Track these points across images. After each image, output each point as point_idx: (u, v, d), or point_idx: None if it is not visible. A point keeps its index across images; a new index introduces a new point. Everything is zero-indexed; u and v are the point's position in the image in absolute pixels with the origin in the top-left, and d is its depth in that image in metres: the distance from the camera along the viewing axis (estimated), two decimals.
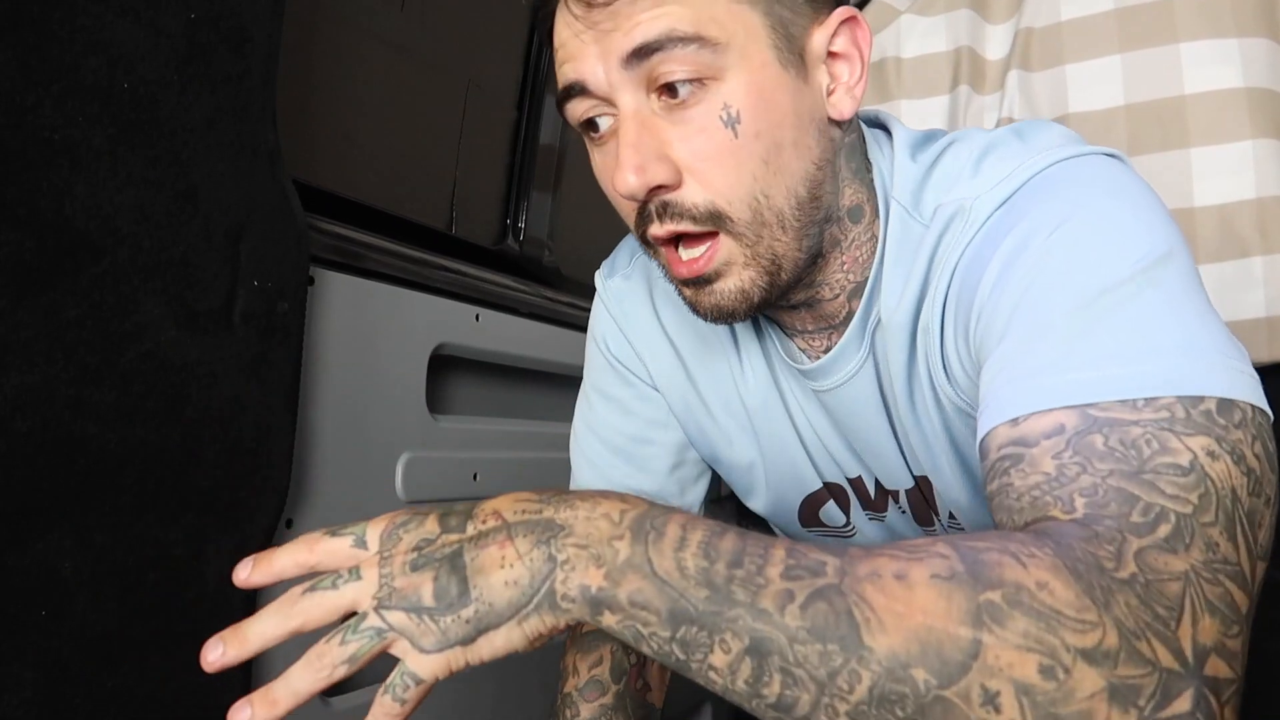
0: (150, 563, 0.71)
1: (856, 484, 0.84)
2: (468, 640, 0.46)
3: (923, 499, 0.81)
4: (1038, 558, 0.44)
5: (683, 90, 0.62)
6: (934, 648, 0.41)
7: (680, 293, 0.69)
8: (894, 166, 0.71)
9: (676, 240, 0.65)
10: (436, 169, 1.19)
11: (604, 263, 0.90)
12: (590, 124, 0.66)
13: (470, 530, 0.47)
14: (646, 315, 0.86)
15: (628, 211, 0.67)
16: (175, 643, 0.73)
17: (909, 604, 0.42)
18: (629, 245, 0.89)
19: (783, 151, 0.64)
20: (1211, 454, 0.49)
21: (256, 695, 0.47)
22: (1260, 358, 1.16)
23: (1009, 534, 0.47)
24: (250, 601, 0.80)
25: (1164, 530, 0.46)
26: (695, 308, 0.68)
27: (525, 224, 1.32)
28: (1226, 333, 0.56)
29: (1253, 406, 0.51)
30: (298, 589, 0.49)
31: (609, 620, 0.45)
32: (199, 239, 0.74)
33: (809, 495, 0.86)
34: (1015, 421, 0.53)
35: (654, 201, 0.63)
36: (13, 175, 0.62)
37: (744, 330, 0.82)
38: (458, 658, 0.46)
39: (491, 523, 0.47)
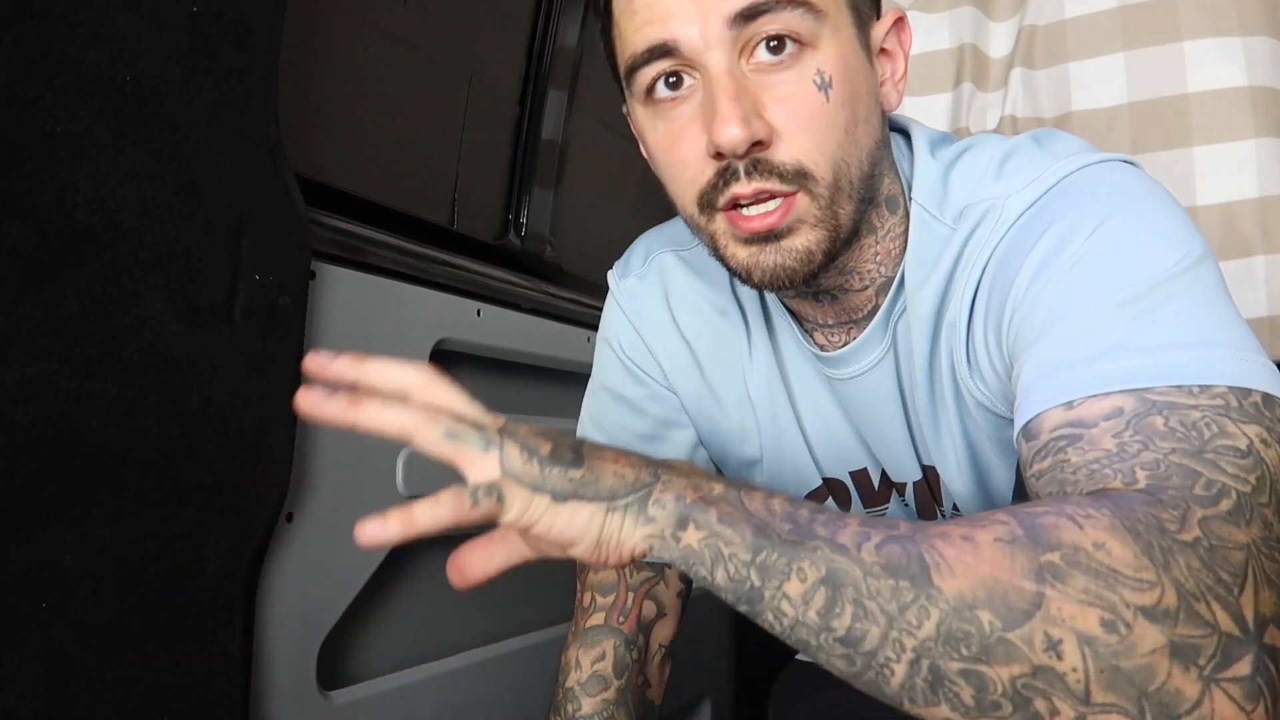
0: (151, 556, 0.71)
1: (859, 476, 0.84)
2: (561, 496, 0.48)
3: (929, 491, 0.81)
4: (1094, 518, 0.45)
5: (785, 50, 0.63)
6: (999, 594, 0.43)
7: (730, 260, 0.68)
8: (914, 168, 0.73)
9: (738, 205, 0.66)
10: (438, 164, 1.19)
11: (616, 263, 0.90)
12: (668, 84, 0.66)
13: (586, 447, 0.50)
14: (662, 315, 0.87)
15: (695, 175, 0.66)
16: (176, 636, 0.73)
17: (976, 556, 0.44)
18: (643, 246, 0.89)
19: (859, 124, 0.66)
20: (1264, 441, 0.50)
21: (341, 394, 0.49)
22: None
23: (1066, 498, 0.49)
24: (251, 595, 0.80)
25: (1226, 505, 0.47)
26: (752, 271, 0.67)
27: (527, 219, 1.32)
28: (1254, 334, 0.57)
29: None
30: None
31: (691, 537, 0.48)
32: (200, 233, 0.74)
33: (809, 494, 0.87)
34: (1070, 405, 0.54)
35: (746, 159, 0.64)
36: (15, 168, 0.62)
37: (756, 326, 0.82)
38: (540, 506, 0.48)
39: (607, 448, 0.50)
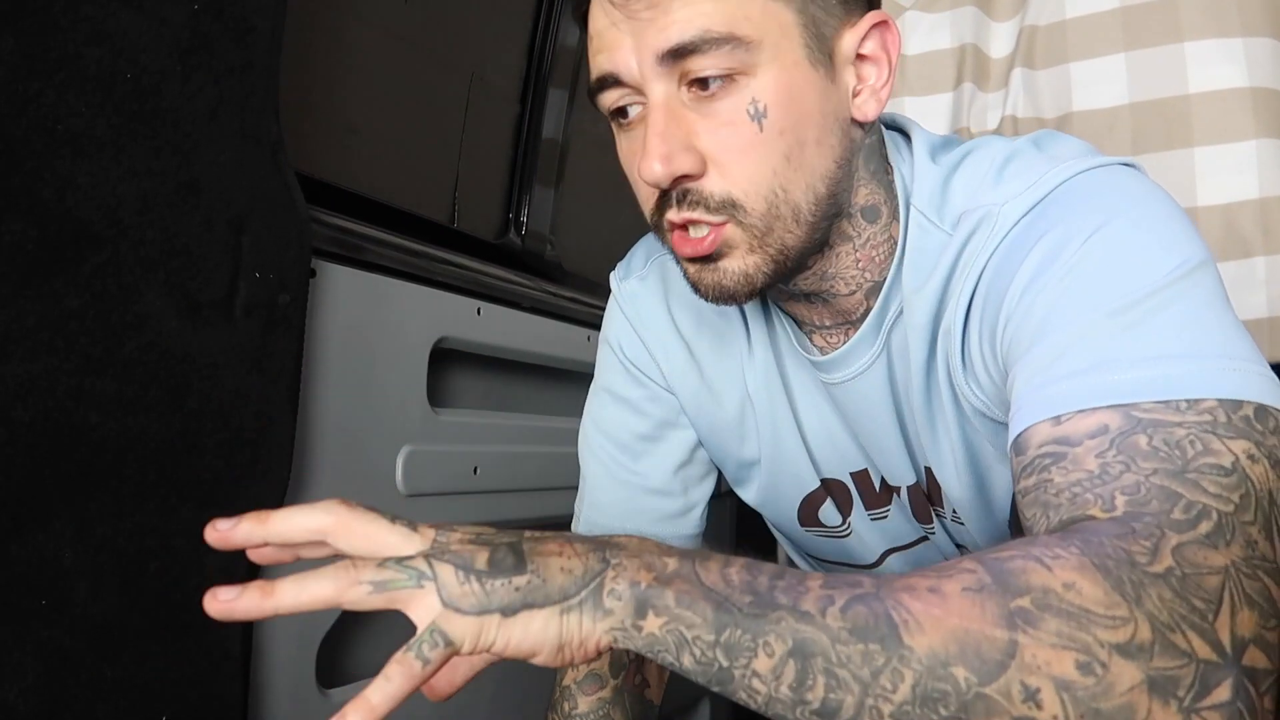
0: (151, 553, 0.71)
1: (860, 477, 0.84)
2: (509, 610, 0.45)
3: (924, 496, 0.81)
4: (1063, 558, 0.44)
5: (713, 84, 0.63)
6: (972, 647, 0.42)
7: (685, 273, 0.70)
8: (914, 172, 0.73)
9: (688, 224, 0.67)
10: (439, 162, 1.19)
11: (619, 264, 0.91)
12: (620, 111, 0.68)
13: (525, 545, 0.47)
14: (661, 317, 0.87)
15: (646, 196, 0.69)
16: (175, 633, 0.73)
17: (945, 609, 0.43)
18: (645, 247, 0.89)
19: (805, 149, 0.66)
20: (1251, 457, 0.50)
21: (253, 584, 0.46)
22: None
23: (1034, 539, 0.48)
24: None
25: (1205, 527, 0.47)
26: (697, 286, 0.69)
27: (527, 218, 1.32)
28: (1253, 342, 0.57)
29: None
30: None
31: (652, 625, 0.46)
32: (201, 230, 0.74)
33: (808, 495, 0.87)
34: (1058, 420, 0.54)
35: (676, 189, 0.65)
36: (15, 165, 0.62)
37: (756, 326, 0.83)
38: (491, 629, 0.46)
39: (548, 538, 0.48)
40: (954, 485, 0.76)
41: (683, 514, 0.91)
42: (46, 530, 0.64)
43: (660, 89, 0.64)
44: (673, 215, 0.66)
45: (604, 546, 0.48)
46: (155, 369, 0.71)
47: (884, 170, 0.74)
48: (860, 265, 0.73)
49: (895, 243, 0.72)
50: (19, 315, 0.62)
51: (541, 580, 0.46)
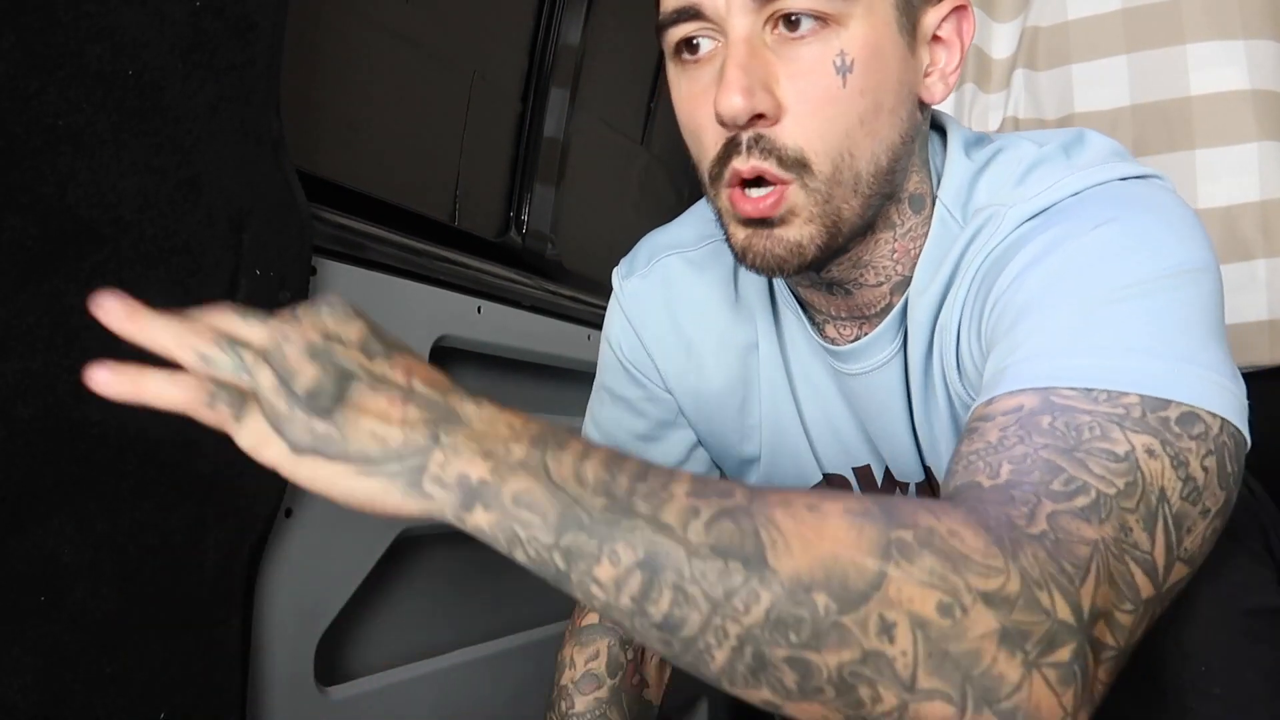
0: (150, 550, 0.71)
1: (863, 473, 0.84)
2: (299, 448, 0.43)
3: (932, 493, 0.81)
4: (950, 512, 0.45)
5: (805, 24, 0.61)
6: (839, 575, 0.41)
7: (731, 237, 0.67)
8: (946, 167, 0.72)
9: (744, 183, 0.64)
10: (440, 160, 1.19)
11: (623, 260, 0.90)
12: (689, 45, 0.65)
13: (379, 367, 0.44)
14: (662, 317, 0.86)
15: (710, 141, 0.65)
16: (174, 630, 0.73)
17: (819, 531, 0.42)
18: (648, 247, 0.88)
19: (880, 114, 0.64)
20: (1151, 452, 0.50)
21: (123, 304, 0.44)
22: (1262, 360, 1.16)
23: (921, 499, 0.50)
24: (249, 590, 0.80)
25: (1081, 501, 0.48)
26: (746, 252, 0.66)
27: (528, 217, 1.32)
28: (1230, 361, 0.57)
29: (1223, 424, 0.53)
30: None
31: (480, 518, 0.42)
32: (202, 227, 0.74)
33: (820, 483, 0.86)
34: (990, 401, 0.55)
35: (750, 132, 0.62)
36: (16, 161, 0.62)
37: (763, 318, 0.82)
38: (274, 451, 0.43)
39: (398, 377, 0.44)
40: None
41: None
42: (46, 527, 0.64)
43: (745, 23, 0.62)
44: (740, 164, 0.63)
45: (441, 420, 0.43)
46: (155, 365, 0.71)
47: (929, 161, 0.73)
48: (895, 256, 0.72)
49: (928, 239, 0.72)
50: (19, 311, 0.62)
51: (341, 435, 0.42)
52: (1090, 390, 0.53)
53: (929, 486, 0.81)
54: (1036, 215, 0.65)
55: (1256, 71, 1.21)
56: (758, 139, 0.62)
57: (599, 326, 0.95)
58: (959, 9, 0.68)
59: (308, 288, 0.85)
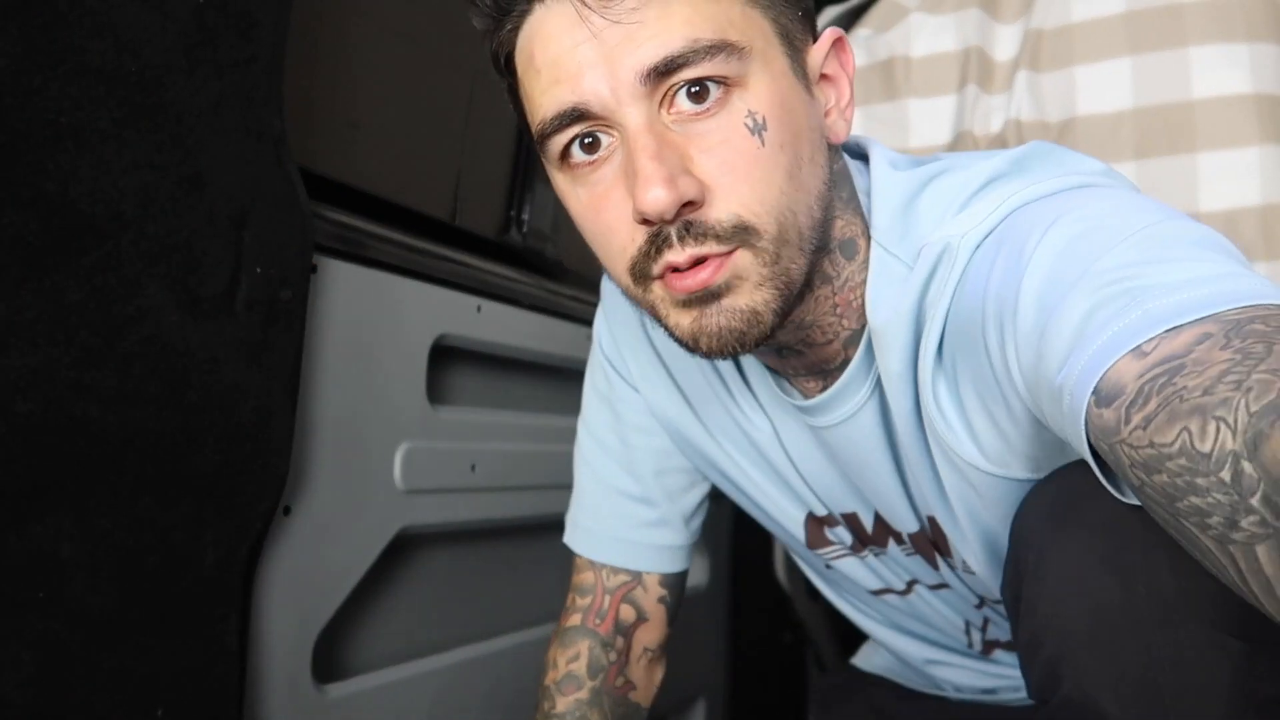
0: (149, 547, 0.71)
1: (850, 520, 0.83)
2: None
3: (930, 543, 0.79)
4: None
5: (710, 96, 0.57)
6: None
7: (675, 330, 0.62)
8: (874, 201, 0.67)
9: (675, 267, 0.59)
10: (440, 158, 1.19)
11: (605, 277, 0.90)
12: (577, 147, 0.59)
13: None
14: (644, 350, 0.85)
15: (623, 244, 0.60)
16: (172, 626, 0.73)
17: None
18: None
19: (802, 166, 0.60)
20: None
21: None
22: None
23: None
24: (247, 587, 0.80)
25: None
26: (698, 336, 0.60)
27: (529, 215, 1.32)
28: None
29: None
30: None
31: None
32: (203, 224, 0.74)
33: (807, 519, 0.85)
34: (1141, 350, 0.45)
35: (676, 223, 0.57)
36: (18, 157, 0.62)
37: (730, 372, 0.79)
38: None
39: None
40: (960, 539, 0.72)
41: (664, 523, 0.88)
42: (45, 522, 0.64)
43: (640, 110, 0.56)
44: (675, 255, 0.58)
45: None
46: (155, 362, 0.71)
47: (854, 198, 0.68)
48: (838, 311, 0.67)
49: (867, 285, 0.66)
50: (20, 307, 0.62)
51: None
52: (1246, 306, 0.45)
53: (926, 536, 0.78)
54: (985, 239, 0.61)
55: (1259, 75, 1.21)
56: (688, 226, 0.57)
57: None
58: (837, 42, 0.65)
59: (308, 285, 0.85)
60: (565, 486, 0.95)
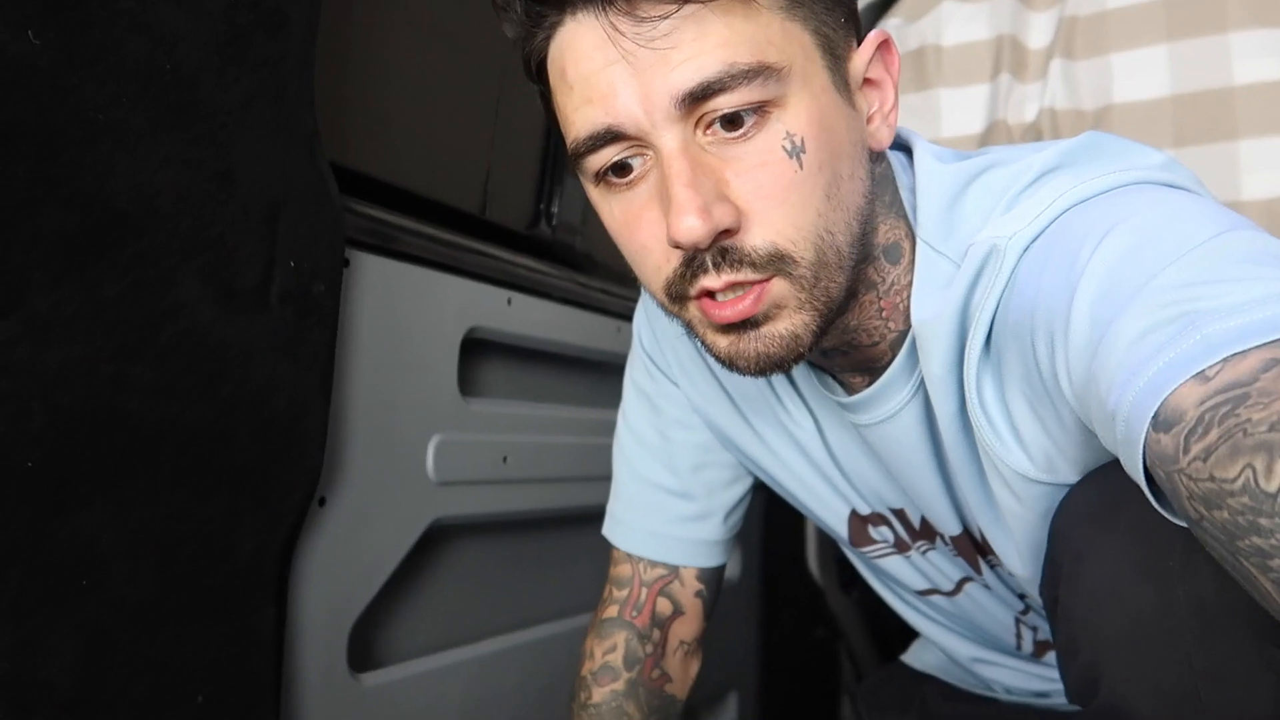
0: (186, 537, 0.72)
1: (900, 515, 0.82)
2: None
3: (972, 546, 0.78)
4: None
5: (747, 119, 0.55)
6: None
7: (712, 348, 0.62)
8: (919, 198, 0.65)
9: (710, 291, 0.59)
10: (470, 152, 1.19)
11: None
12: (617, 168, 0.59)
13: None
14: (688, 352, 0.85)
15: (658, 263, 0.59)
16: (210, 616, 0.74)
17: None
18: None
19: (841, 183, 0.59)
20: None
21: None
22: None
23: None
24: (283, 577, 0.81)
25: None
26: (734, 360, 0.60)
27: (558, 209, 1.32)
28: None
29: None
30: None
31: None
32: (236, 219, 0.76)
33: (851, 517, 0.85)
34: (1205, 375, 0.44)
35: (712, 249, 0.56)
36: (56, 154, 0.63)
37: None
38: None
39: None
40: (1004, 543, 0.70)
41: (703, 518, 0.88)
42: (86, 513, 0.66)
43: (675, 134, 0.55)
44: (711, 281, 0.57)
45: None
46: (191, 356, 0.72)
47: (898, 200, 0.67)
48: (884, 315, 0.66)
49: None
50: (59, 302, 0.63)
51: None
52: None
53: (968, 539, 0.77)
54: (1033, 241, 0.59)
55: None
56: (723, 253, 0.56)
57: (629, 319, 0.95)
58: (882, 45, 0.63)
59: (340, 279, 0.86)
60: (597, 478, 0.95)
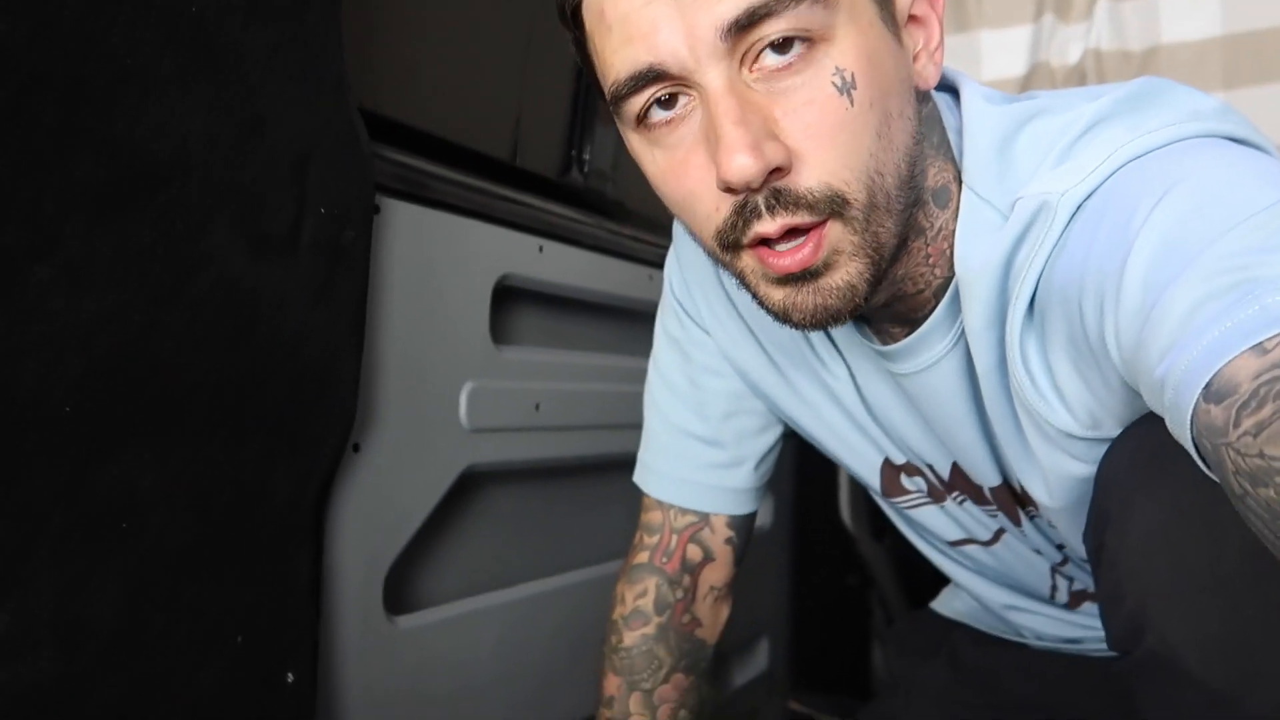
0: (223, 483, 0.73)
1: (931, 469, 0.81)
2: None
3: (1013, 497, 0.77)
4: None
5: (794, 49, 0.53)
6: None
7: (765, 300, 0.60)
8: (966, 144, 0.63)
9: (766, 239, 0.57)
10: (501, 98, 1.18)
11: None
12: (655, 106, 0.57)
13: None
14: (708, 269, 0.84)
15: (708, 210, 0.58)
16: (248, 560, 0.76)
17: None
18: None
19: (891, 122, 0.57)
20: None
21: None
22: None
23: None
24: (319, 522, 0.82)
25: None
26: (790, 312, 0.59)
27: (590, 155, 1.31)
28: None
29: None
30: None
31: None
32: (266, 166, 0.75)
33: (883, 467, 0.84)
34: (1263, 348, 0.43)
35: (764, 191, 0.55)
36: (85, 100, 0.63)
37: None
38: None
39: None
40: (1045, 496, 0.69)
41: (733, 465, 0.88)
42: (124, 459, 0.67)
43: (721, 71, 0.54)
44: (765, 227, 0.55)
45: None
46: (223, 304, 0.72)
47: (945, 142, 0.65)
48: (931, 261, 0.64)
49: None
50: (92, 251, 0.64)
51: None
52: None
53: (1007, 491, 0.76)
54: (1087, 199, 0.56)
55: None
56: (776, 195, 0.55)
57: (661, 266, 0.94)
58: None
59: (371, 227, 0.86)
60: (628, 426, 0.95)
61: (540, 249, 1.12)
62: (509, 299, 1.12)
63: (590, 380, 1.21)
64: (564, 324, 1.24)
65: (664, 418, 0.90)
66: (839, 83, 0.54)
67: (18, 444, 0.60)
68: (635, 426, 0.95)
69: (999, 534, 0.84)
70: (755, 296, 0.61)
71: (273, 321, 0.76)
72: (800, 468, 1.64)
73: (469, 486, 1.06)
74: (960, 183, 0.64)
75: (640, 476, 0.92)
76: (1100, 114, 0.60)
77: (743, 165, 0.52)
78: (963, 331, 0.66)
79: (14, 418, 0.60)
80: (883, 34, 0.57)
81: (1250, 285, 0.44)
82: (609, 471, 1.25)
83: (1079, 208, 0.57)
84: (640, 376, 0.95)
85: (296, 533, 0.80)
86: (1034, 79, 1.38)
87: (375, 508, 0.90)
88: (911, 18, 0.61)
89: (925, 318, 0.68)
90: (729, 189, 0.55)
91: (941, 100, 0.67)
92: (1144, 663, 0.55)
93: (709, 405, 0.88)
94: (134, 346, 0.67)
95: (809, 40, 0.54)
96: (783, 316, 0.60)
